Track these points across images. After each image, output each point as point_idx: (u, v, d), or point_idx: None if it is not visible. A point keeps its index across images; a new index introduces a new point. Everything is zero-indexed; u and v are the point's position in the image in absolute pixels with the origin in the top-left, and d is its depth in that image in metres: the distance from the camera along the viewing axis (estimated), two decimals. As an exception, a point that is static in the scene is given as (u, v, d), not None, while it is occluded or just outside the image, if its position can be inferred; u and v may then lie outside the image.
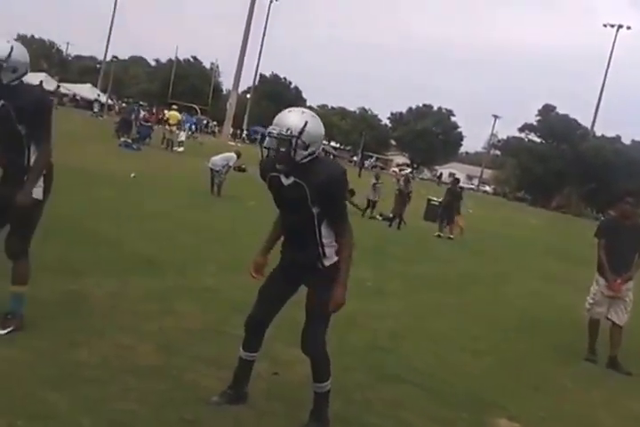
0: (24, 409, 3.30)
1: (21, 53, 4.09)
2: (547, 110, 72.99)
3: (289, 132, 3.40)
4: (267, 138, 3.51)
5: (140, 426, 3.41)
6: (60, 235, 6.75)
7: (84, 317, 4.80)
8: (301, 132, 3.41)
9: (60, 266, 5.89)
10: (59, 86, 50.25)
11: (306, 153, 3.46)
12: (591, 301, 6.86)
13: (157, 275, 6.59)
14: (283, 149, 3.44)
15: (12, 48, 4.02)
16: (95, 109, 49.69)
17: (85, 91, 58.81)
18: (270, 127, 3.46)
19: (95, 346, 4.28)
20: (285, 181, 3.56)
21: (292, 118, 3.46)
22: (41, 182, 4.16)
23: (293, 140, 3.40)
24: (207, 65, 78.47)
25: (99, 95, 56.51)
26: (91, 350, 4.20)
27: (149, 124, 30.29)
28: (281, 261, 3.81)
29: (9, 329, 4.15)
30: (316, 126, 3.50)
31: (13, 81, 4.07)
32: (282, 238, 3.85)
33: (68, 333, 4.38)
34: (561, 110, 72.98)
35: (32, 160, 4.12)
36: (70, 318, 4.71)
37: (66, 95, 55.00)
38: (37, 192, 4.14)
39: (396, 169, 66.39)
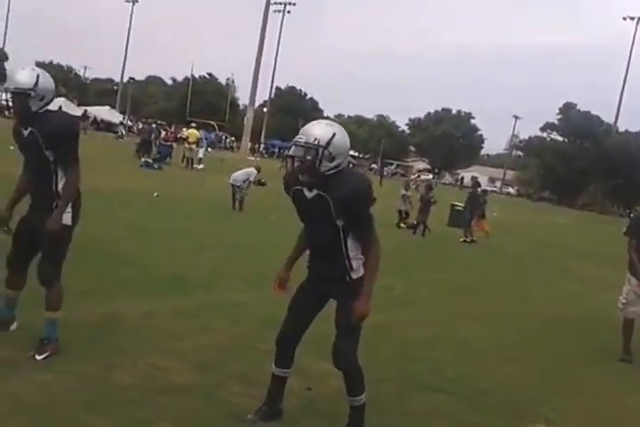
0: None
1: (47, 81, 4.19)
2: (568, 108, 72.11)
3: (316, 141, 3.41)
4: (293, 146, 3.51)
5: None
6: (86, 257, 6.80)
7: (118, 339, 4.86)
8: (328, 143, 3.41)
9: (90, 289, 5.95)
10: (85, 111, 50.44)
11: (331, 165, 3.46)
12: (624, 300, 6.79)
13: (186, 293, 6.64)
14: (308, 158, 3.44)
15: (38, 76, 4.11)
16: (120, 133, 49.48)
17: (104, 113, 59.25)
18: (297, 137, 3.47)
19: (130, 368, 4.33)
20: (309, 194, 3.55)
21: (319, 129, 3.47)
22: (69, 208, 4.23)
23: (320, 150, 3.40)
24: (222, 81, 79.03)
25: (123, 118, 56.88)
26: (126, 371, 4.25)
27: (169, 143, 30.55)
28: (309, 275, 3.81)
29: (45, 355, 4.21)
30: (343, 139, 3.51)
31: (42, 108, 4.17)
32: (308, 252, 3.84)
33: (102, 355, 4.43)
34: (582, 107, 72.06)
35: (60, 186, 4.20)
36: (104, 340, 4.77)
37: (88, 118, 55.47)
38: (66, 218, 4.21)
39: (415, 176, 65.79)
